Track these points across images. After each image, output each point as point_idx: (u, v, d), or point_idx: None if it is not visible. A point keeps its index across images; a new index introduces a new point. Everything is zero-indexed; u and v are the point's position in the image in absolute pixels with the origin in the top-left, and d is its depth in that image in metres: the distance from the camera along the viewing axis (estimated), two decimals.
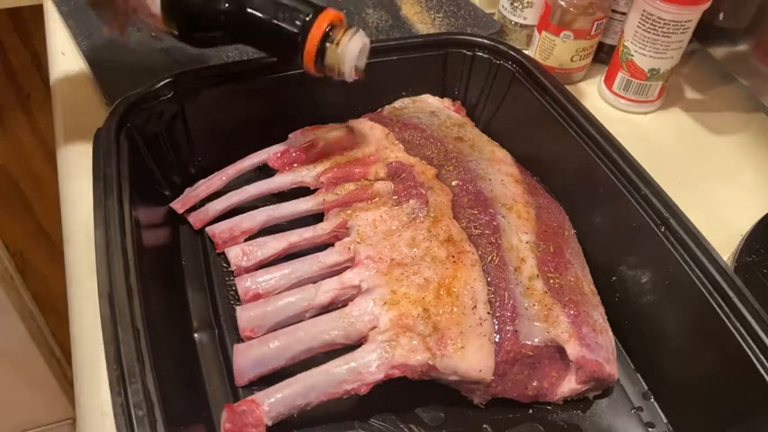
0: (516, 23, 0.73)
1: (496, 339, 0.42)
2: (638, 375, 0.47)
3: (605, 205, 0.49)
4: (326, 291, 0.44)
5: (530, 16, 0.71)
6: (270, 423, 0.39)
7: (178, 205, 0.52)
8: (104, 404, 0.41)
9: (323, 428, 0.42)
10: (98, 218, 0.41)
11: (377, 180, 0.51)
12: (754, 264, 0.51)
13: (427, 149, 0.54)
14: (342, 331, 0.41)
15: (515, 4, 0.71)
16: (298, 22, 0.43)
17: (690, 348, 0.43)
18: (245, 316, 0.44)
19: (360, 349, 0.41)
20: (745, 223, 0.56)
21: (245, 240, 0.50)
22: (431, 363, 0.40)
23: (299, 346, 0.42)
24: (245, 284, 0.46)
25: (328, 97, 0.57)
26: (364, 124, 0.55)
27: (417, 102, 0.60)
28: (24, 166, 1.00)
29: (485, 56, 0.59)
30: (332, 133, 0.54)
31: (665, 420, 0.44)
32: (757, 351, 0.38)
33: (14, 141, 0.97)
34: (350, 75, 0.45)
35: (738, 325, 0.40)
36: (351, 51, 0.44)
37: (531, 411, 0.44)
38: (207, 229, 0.51)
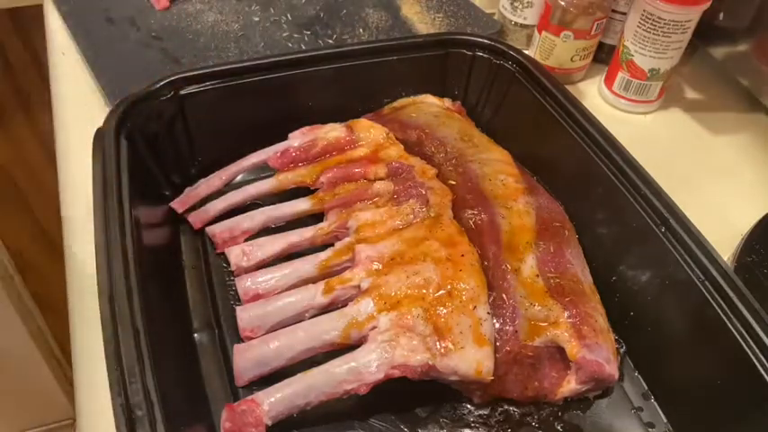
0: (516, 23, 0.73)
1: (496, 339, 0.42)
2: (638, 375, 0.47)
3: (605, 205, 0.49)
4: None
5: (530, 16, 0.71)
6: (270, 423, 0.39)
7: (178, 205, 0.52)
8: (104, 404, 0.41)
9: (323, 428, 0.42)
10: (98, 218, 0.41)
11: (377, 180, 0.51)
12: (754, 264, 0.51)
13: (427, 149, 0.54)
14: (342, 331, 0.41)
15: (515, 4, 0.71)
16: None
17: (690, 348, 0.43)
18: (245, 316, 0.44)
19: (360, 349, 0.41)
20: (745, 223, 0.56)
21: (245, 240, 0.50)
22: (431, 363, 0.40)
23: (299, 346, 0.42)
24: (245, 284, 0.46)
25: (328, 97, 0.57)
26: (364, 124, 0.55)
27: (417, 102, 0.60)
28: (24, 166, 1.00)
29: (485, 56, 0.59)
30: (332, 133, 0.54)
31: (665, 420, 0.44)
32: (757, 351, 0.38)
33: (14, 141, 0.97)
34: None
35: (738, 325, 0.40)
36: None
37: (531, 411, 0.44)
38: (207, 229, 0.51)
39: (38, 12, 0.74)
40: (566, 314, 0.43)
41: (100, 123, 0.47)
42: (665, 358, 0.45)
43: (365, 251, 0.45)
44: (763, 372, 0.38)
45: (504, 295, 0.44)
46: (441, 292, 0.42)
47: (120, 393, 0.33)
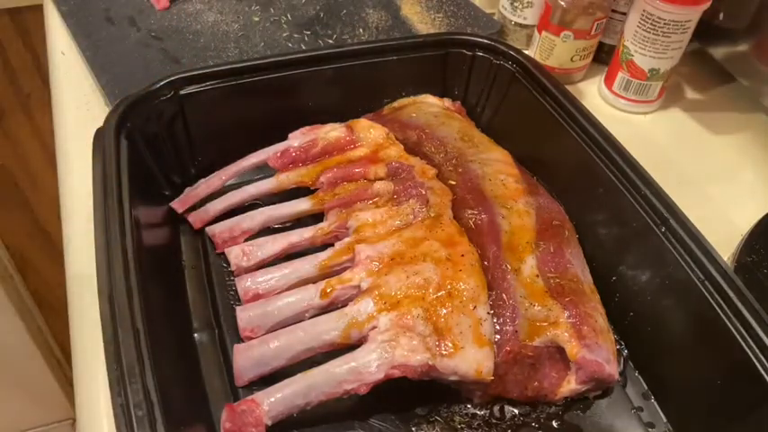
0: (516, 23, 0.73)
1: (496, 339, 0.42)
2: (638, 375, 0.47)
3: (605, 205, 0.49)
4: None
5: (530, 16, 0.71)
6: (270, 423, 0.39)
7: (178, 205, 0.52)
8: (104, 404, 0.41)
9: (323, 428, 0.42)
10: (98, 218, 0.41)
11: (377, 180, 0.51)
12: (754, 264, 0.51)
13: (427, 149, 0.54)
14: (342, 331, 0.41)
15: (515, 4, 0.71)
16: None
17: (690, 348, 0.43)
18: (245, 316, 0.44)
19: (360, 349, 0.41)
20: (745, 223, 0.56)
21: (245, 240, 0.50)
22: (431, 363, 0.40)
23: (299, 346, 0.42)
24: (245, 284, 0.46)
25: (328, 97, 0.57)
26: (364, 124, 0.55)
27: (417, 102, 0.60)
28: (24, 166, 1.00)
29: (485, 56, 0.59)
30: (332, 133, 0.54)
31: (665, 420, 0.44)
32: (757, 351, 0.38)
33: (14, 141, 0.97)
34: None
35: (738, 325, 0.40)
36: None
37: (530, 411, 0.44)
38: (207, 229, 0.51)
39: (38, 12, 0.74)
40: (566, 314, 0.43)
41: (100, 123, 0.47)
42: (665, 358, 0.45)
43: (365, 251, 0.45)
44: (763, 372, 0.38)
45: (504, 295, 0.44)
46: (441, 293, 0.42)
47: (120, 393, 0.33)
